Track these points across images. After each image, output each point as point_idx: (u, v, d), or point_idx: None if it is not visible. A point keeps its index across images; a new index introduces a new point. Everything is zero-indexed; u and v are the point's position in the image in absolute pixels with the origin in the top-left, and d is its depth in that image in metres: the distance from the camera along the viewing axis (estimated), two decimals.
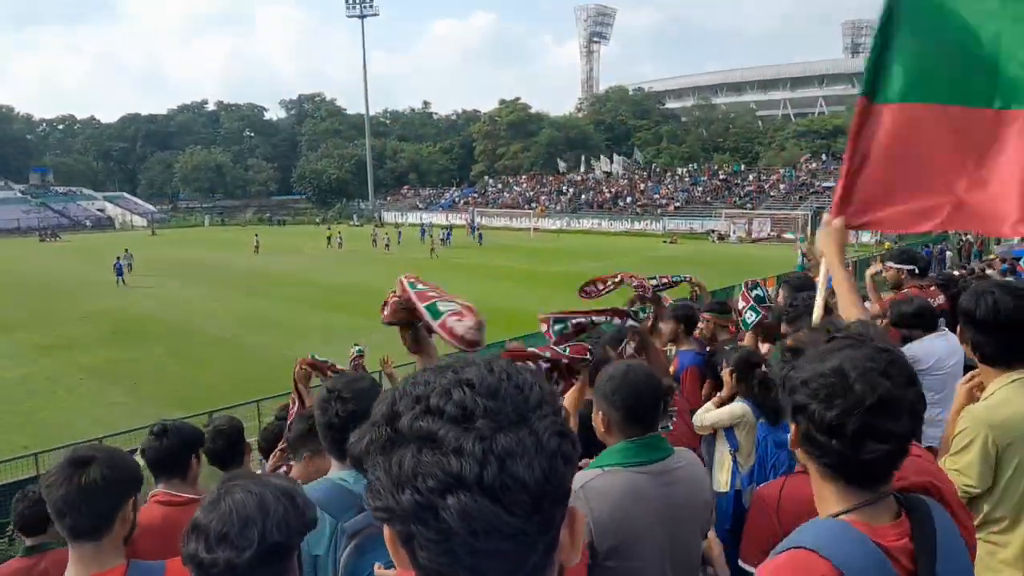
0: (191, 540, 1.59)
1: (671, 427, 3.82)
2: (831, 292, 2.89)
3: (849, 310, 2.47)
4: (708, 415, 4.37)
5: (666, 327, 5.12)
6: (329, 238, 51.53)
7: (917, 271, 5.61)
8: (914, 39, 2.56)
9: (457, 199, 79.98)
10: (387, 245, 48.50)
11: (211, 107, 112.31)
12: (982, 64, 2.47)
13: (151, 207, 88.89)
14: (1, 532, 9.47)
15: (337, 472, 2.42)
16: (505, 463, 0.74)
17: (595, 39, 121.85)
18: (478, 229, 55.55)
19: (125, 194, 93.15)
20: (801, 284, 4.99)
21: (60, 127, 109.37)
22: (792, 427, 1.52)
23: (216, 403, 12.76)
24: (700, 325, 5.34)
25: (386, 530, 0.82)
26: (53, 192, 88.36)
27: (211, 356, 20.43)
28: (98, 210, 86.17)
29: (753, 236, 51.69)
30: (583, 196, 69.97)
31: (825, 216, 2.76)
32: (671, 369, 4.91)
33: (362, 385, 2.45)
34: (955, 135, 2.52)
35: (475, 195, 79.78)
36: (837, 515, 1.46)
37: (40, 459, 11.41)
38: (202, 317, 25.82)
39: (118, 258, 34.74)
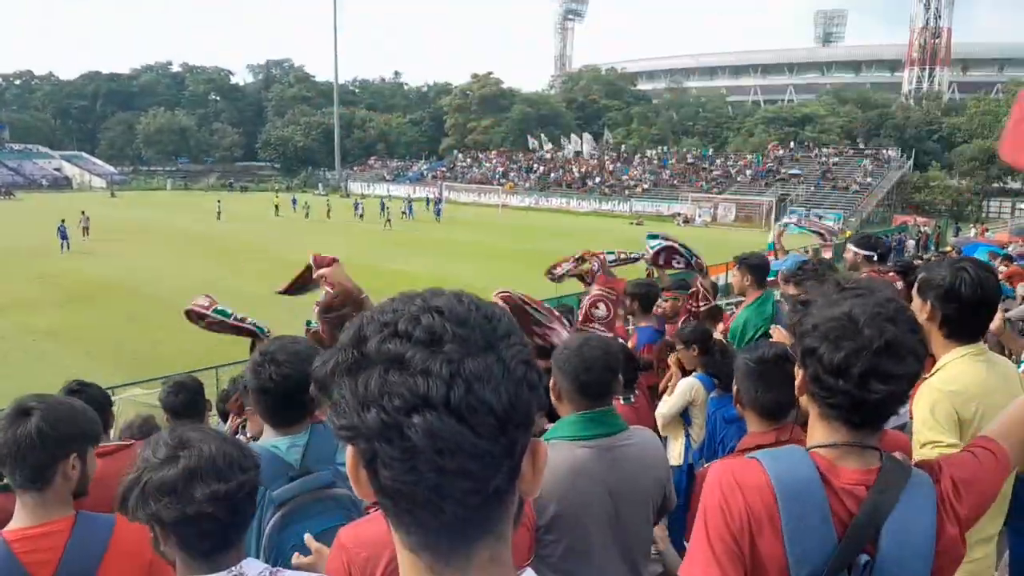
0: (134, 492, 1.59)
1: (632, 399, 3.87)
2: None
3: None
4: (663, 408, 4.46)
5: (626, 302, 5.18)
6: (277, 207, 51.83)
7: (876, 257, 5.72)
8: None
9: (425, 172, 79.28)
10: (328, 212, 49.22)
11: (176, 68, 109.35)
12: None
13: (111, 168, 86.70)
14: None
15: (270, 439, 2.36)
16: (472, 386, 0.76)
17: (570, 16, 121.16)
18: (438, 202, 54.88)
19: (84, 154, 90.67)
20: (758, 263, 5.04)
21: (17, 82, 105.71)
22: (799, 372, 1.59)
23: (173, 368, 12.58)
24: (661, 303, 5.41)
25: (348, 454, 0.82)
26: (8, 149, 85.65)
27: (168, 322, 20.04)
28: (55, 169, 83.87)
29: (719, 220, 52.19)
30: (552, 175, 69.86)
31: None
32: (630, 343, 4.98)
33: (297, 348, 2.37)
34: None
35: (444, 169, 79.13)
36: (809, 448, 1.54)
37: None
38: (160, 282, 25.34)
39: (62, 221, 32.56)
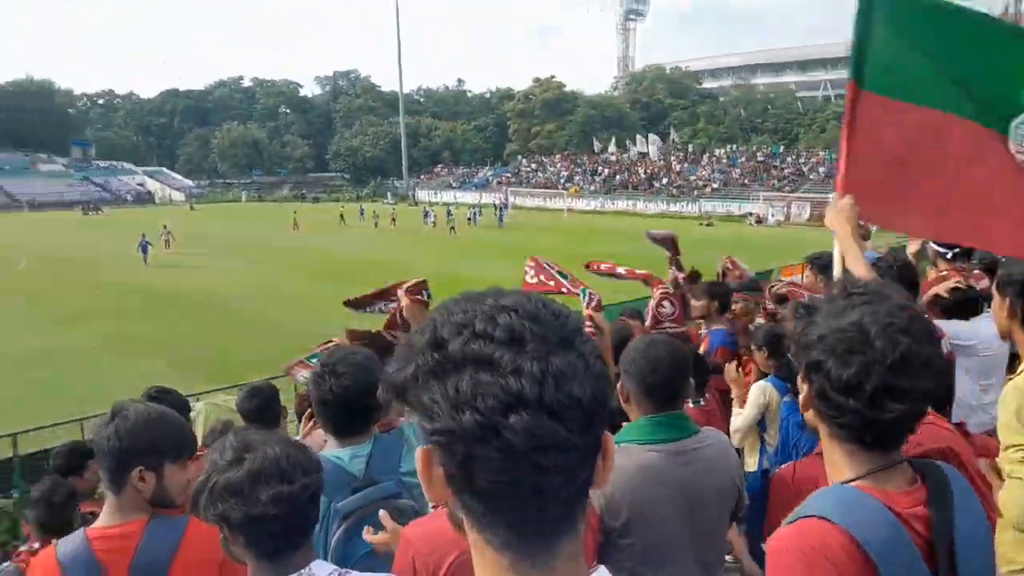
0: (228, 501, 1.62)
1: (702, 403, 3.76)
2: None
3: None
4: (737, 420, 4.33)
5: (698, 303, 5.06)
6: (342, 216, 52.72)
7: (951, 255, 5.43)
8: (895, 36, 2.52)
9: (490, 178, 79.79)
10: (393, 220, 49.91)
11: (247, 83, 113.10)
12: (958, 77, 2.44)
13: (189, 182, 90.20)
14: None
15: (333, 450, 2.37)
16: (560, 382, 0.77)
17: (631, 16, 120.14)
18: (502, 208, 54.85)
19: (164, 169, 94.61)
20: (831, 263, 4.86)
21: (100, 102, 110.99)
22: (804, 387, 1.46)
23: (247, 376, 12.91)
24: (732, 304, 5.27)
25: (420, 456, 0.83)
26: (95, 166, 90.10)
27: (243, 330, 20.71)
28: (138, 184, 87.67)
29: (792, 219, 50.90)
30: (618, 177, 69.37)
31: (833, 195, 2.71)
32: (701, 348, 4.86)
33: (357, 359, 2.38)
34: (942, 142, 2.50)
35: (508, 174, 79.52)
36: (849, 481, 1.41)
37: (84, 426, 11.68)
38: (236, 291, 26.17)
39: (143, 236, 33.72)
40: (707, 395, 3.89)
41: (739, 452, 4.14)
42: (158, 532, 2.06)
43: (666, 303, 4.34)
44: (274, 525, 1.61)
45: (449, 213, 49.84)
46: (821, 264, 4.81)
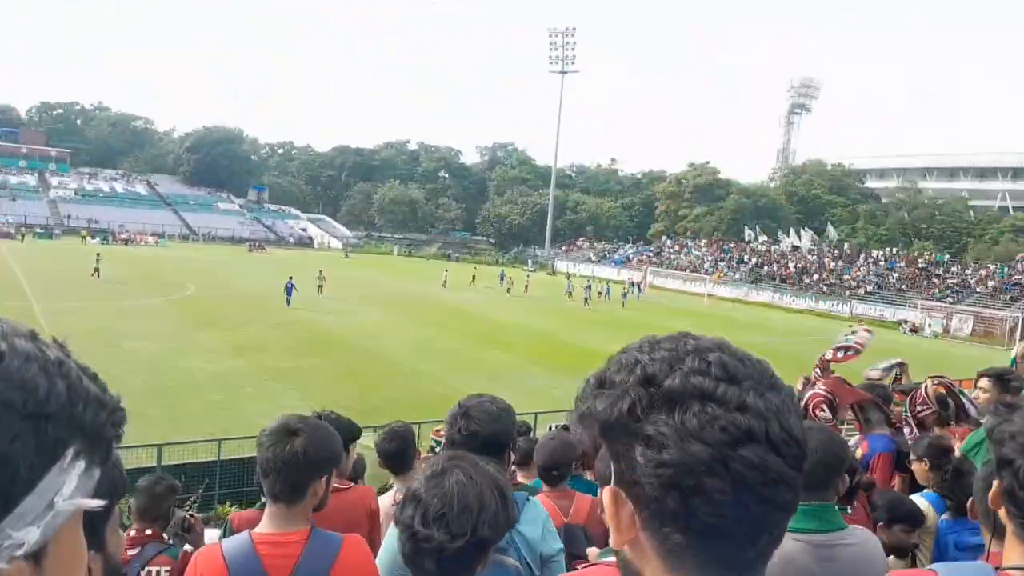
0: (408, 508, 1.67)
1: (849, 510, 3.51)
2: None
3: None
4: None
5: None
6: (474, 277, 53.31)
7: None
8: None
9: (631, 256, 79.56)
10: (569, 292, 49.47)
11: (413, 146, 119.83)
12: None
13: (348, 232, 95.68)
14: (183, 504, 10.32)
15: None
16: (781, 419, 0.79)
17: (796, 110, 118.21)
18: (636, 288, 54.02)
19: (326, 217, 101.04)
20: (1007, 376, 4.48)
21: (280, 151, 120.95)
22: (995, 483, 1.45)
23: (382, 419, 13.34)
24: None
25: (609, 498, 0.83)
26: (266, 208, 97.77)
27: (383, 375, 21.48)
28: (301, 229, 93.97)
29: (952, 332, 47.41)
30: (765, 268, 67.35)
31: None
32: (859, 454, 4.57)
33: (491, 408, 2.46)
34: None
35: (650, 253, 79.07)
36: (1002, 569, 1.43)
37: (222, 445, 12.42)
38: (381, 338, 27.28)
39: (290, 278, 34.38)
40: (855, 503, 3.62)
41: None
42: (318, 544, 2.16)
43: (825, 407, 4.08)
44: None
45: (588, 287, 50.19)
46: (999, 377, 4.48)
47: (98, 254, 40.01)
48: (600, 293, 50.39)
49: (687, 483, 0.77)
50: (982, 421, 4.58)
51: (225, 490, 11.65)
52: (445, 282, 49.31)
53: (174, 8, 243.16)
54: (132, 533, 3.55)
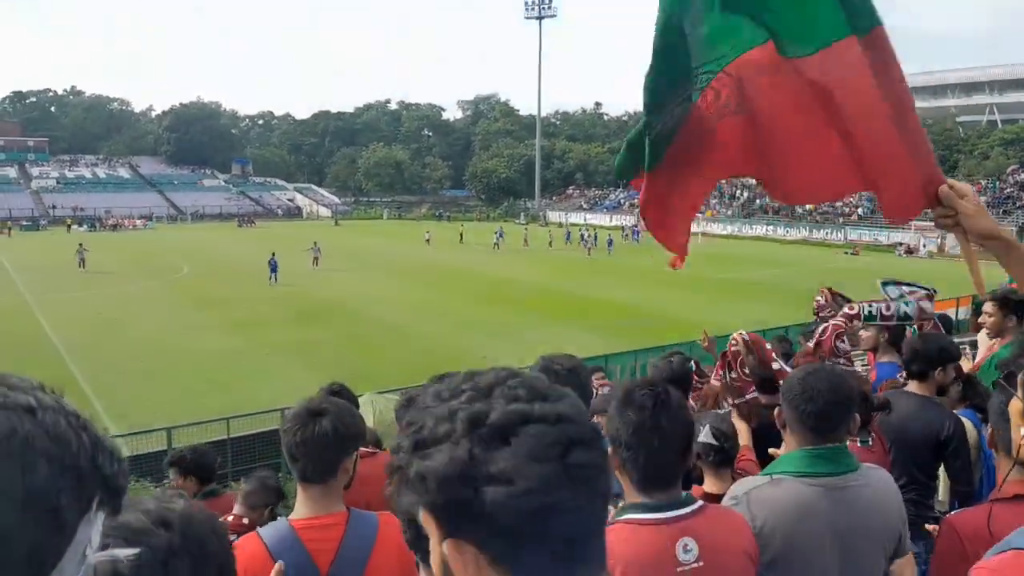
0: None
1: (870, 443, 3.50)
2: None
3: None
4: None
5: (866, 334, 4.78)
6: (461, 235, 53.55)
7: None
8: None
9: (622, 201, 79.27)
10: (525, 241, 50.09)
11: (394, 106, 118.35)
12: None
13: (336, 199, 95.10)
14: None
15: None
16: (585, 420, 0.88)
17: None
18: (635, 231, 54.47)
19: (313, 186, 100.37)
20: (1020, 300, 4.43)
21: (260, 122, 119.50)
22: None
23: (387, 385, 13.38)
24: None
25: (454, 551, 0.81)
26: (251, 182, 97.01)
27: (384, 341, 21.52)
28: (288, 200, 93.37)
29: (947, 251, 47.51)
30: (758, 201, 67.19)
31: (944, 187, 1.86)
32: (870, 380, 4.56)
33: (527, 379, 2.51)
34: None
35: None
36: None
37: (231, 424, 12.48)
38: (378, 304, 27.27)
39: (272, 255, 33.00)
40: (873, 435, 3.60)
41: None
42: (358, 525, 2.19)
43: (846, 339, 4.02)
44: None
45: (583, 236, 50.08)
46: (1012, 302, 4.42)
47: (80, 244, 38.14)
48: (585, 240, 50.61)
49: (544, 502, 0.78)
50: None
51: (237, 467, 11.73)
52: (428, 240, 50.34)
53: None
54: (230, 519, 3.61)
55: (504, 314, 25.41)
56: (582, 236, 51.40)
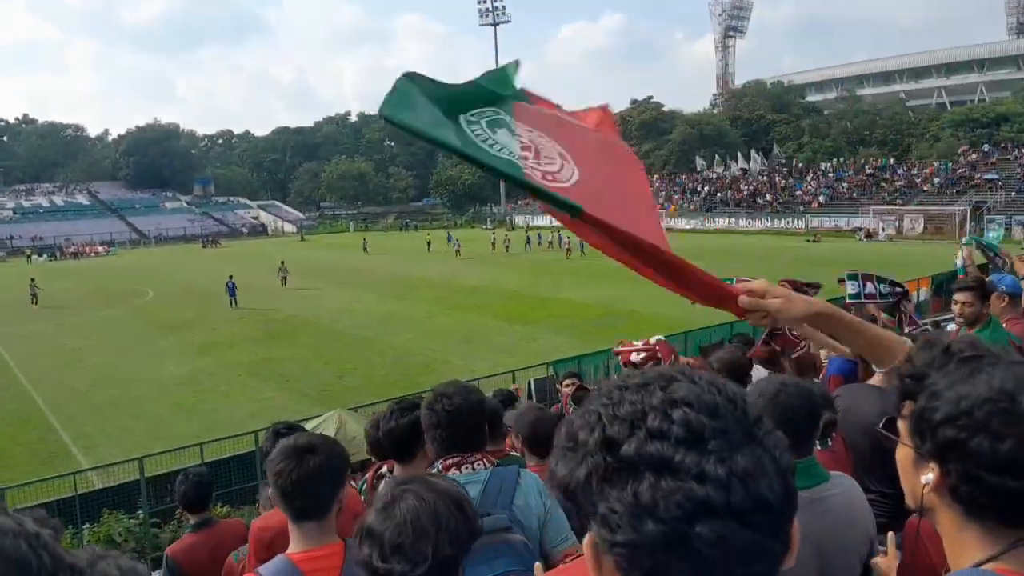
0: (365, 546, 1.61)
1: (830, 443, 3.54)
2: None
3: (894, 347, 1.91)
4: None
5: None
6: (428, 243, 53.88)
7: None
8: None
9: None
10: (506, 247, 50.10)
11: (353, 119, 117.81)
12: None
13: (300, 214, 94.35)
14: (171, 517, 10.31)
15: (450, 474, 2.42)
16: (748, 485, 0.71)
17: (731, 33, 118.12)
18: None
19: (276, 202, 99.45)
20: (983, 286, 4.61)
21: (220, 141, 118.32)
22: (935, 471, 1.22)
23: (360, 400, 13.40)
24: None
25: (590, 546, 0.79)
26: (213, 201, 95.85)
27: (354, 355, 21.44)
28: (253, 218, 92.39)
29: (905, 233, 48.54)
30: (719, 195, 68.01)
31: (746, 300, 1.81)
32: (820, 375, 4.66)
33: (466, 384, 2.55)
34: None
35: None
36: (981, 564, 1.21)
37: (204, 448, 12.39)
38: (347, 318, 27.16)
39: (230, 277, 32.14)
40: (833, 435, 3.62)
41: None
42: (353, 555, 2.15)
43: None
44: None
45: (538, 237, 51.44)
46: (983, 291, 4.55)
47: (32, 279, 35.86)
48: (542, 241, 51.97)
49: (645, 564, 0.72)
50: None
51: (214, 492, 11.65)
52: (365, 247, 53.48)
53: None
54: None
55: (475, 320, 25.46)
56: (541, 238, 52.34)
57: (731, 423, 0.75)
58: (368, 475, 3.70)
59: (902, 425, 1.32)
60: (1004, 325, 4.76)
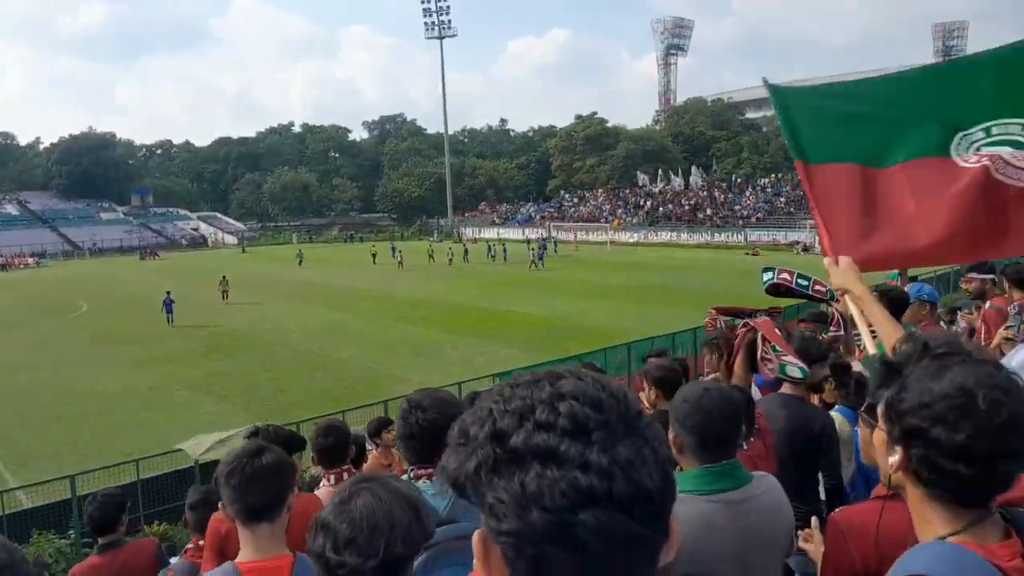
0: (319, 537, 1.65)
1: (746, 446, 3.65)
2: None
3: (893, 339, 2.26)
4: None
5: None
6: (374, 255, 53.52)
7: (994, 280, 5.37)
8: (814, 117, 3.16)
9: (533, 214, 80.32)
10: (450, 260, 49.71)
11: (297, 129, 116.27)
12: (871, 135, 3.00)
13: (242, 226, 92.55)
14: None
15: (420, 483, 2.42)
16: (629, 473, 0.74)
17: (672, 51, 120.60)
18: (542, 246, 51.91)
19: (218, 214, 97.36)
20: (898, 297, 4.72)
21: (158, 151, 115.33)
22: (900, 453, 1.39)
23: (302, 414, 13.23)
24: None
25: (479, 540, 0.81)
26: (152, 212, 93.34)
27: (299, 368, 21.16)
28: (192, 229, 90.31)
29: None
30: (661, 209, 69.24)
31: (827, 261, 2.79)
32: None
33: (442, 395, 2.52)
34: (890, 186, 2.92)
35: (551, 210, 79.96)
36: (944, 537, 1.35)
37: (140, 465, 12.08)
38: (290, 331, 26.76)
39: (168, 293, 30.80)
40: (753, 437, 3.77)
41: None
42: (303, 570, 2.17)
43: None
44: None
45: (489, 248, 51.35)
46: (890, 298, 4.62)
47: None
48: (490, 255, 51.60)
49: (529, 552, 0.74)
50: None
51: (150, 509, 11.37)
52: (300, 261, 52.60)
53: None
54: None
55: (423, 333, 25.36)
56: (489, 248, 52.45)
57: (614, 416, 0.78)
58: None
59: (880, 411, 1.47)
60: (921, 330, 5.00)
